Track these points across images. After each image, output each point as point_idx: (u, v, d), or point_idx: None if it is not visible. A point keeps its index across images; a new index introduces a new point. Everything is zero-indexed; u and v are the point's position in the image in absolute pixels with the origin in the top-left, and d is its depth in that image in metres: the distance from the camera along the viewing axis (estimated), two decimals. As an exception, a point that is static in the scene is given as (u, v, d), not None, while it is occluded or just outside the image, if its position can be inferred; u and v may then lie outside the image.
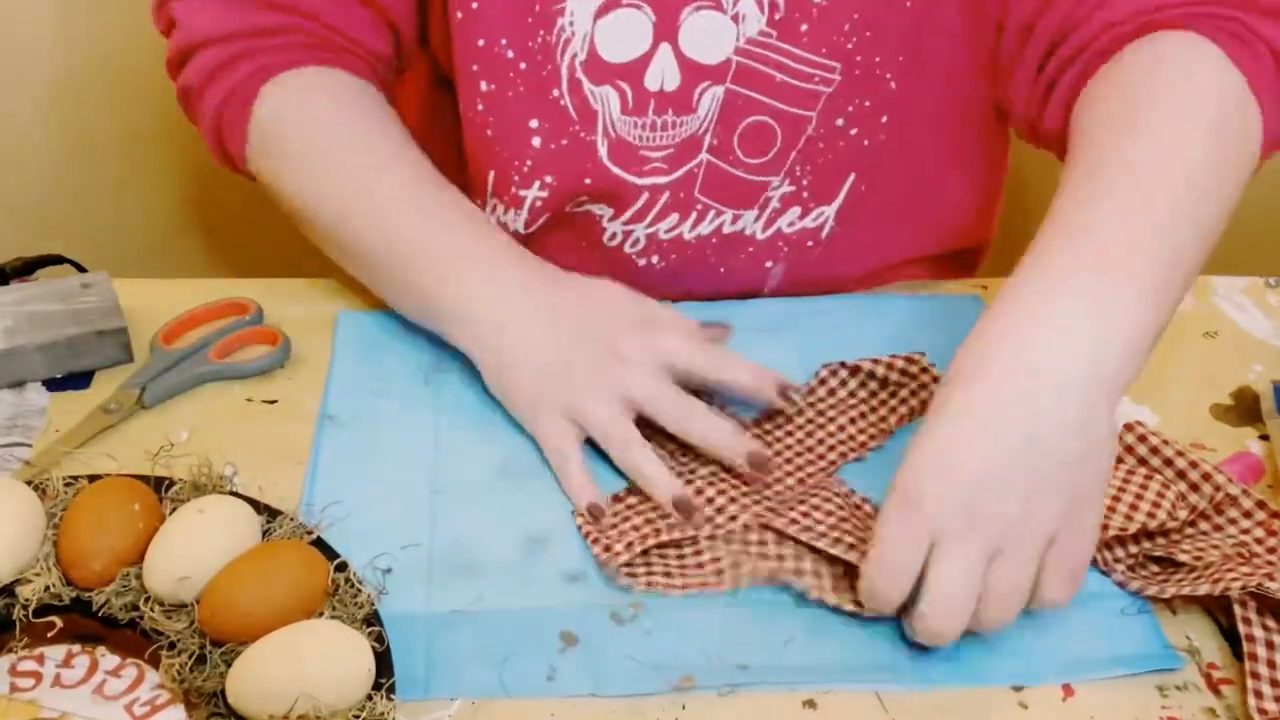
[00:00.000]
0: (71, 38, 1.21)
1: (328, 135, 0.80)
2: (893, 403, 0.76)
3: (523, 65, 0.78)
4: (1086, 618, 0.66)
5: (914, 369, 0.75)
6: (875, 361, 0.76)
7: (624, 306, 0.74)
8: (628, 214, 0.83)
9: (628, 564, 0.66)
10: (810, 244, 0.86)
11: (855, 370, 0.77)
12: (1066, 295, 0.61)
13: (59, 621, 0.61)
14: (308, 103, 0.81)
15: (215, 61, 0.81)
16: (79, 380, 0.78)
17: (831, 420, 0.75)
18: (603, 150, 0.80)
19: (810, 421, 0.75)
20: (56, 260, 0.91)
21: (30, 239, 0.99)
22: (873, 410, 0.76)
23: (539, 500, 0.71)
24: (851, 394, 0.77)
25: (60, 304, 0.80)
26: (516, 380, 0.74)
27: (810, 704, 0.61)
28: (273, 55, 0.81)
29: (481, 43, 0.78)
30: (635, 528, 0.68)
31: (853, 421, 0.75)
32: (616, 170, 0.81)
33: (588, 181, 0.81)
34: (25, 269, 0.89)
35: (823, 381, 0.77)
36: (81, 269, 0.91)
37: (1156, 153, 0.67)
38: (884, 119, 0.81)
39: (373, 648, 0.58)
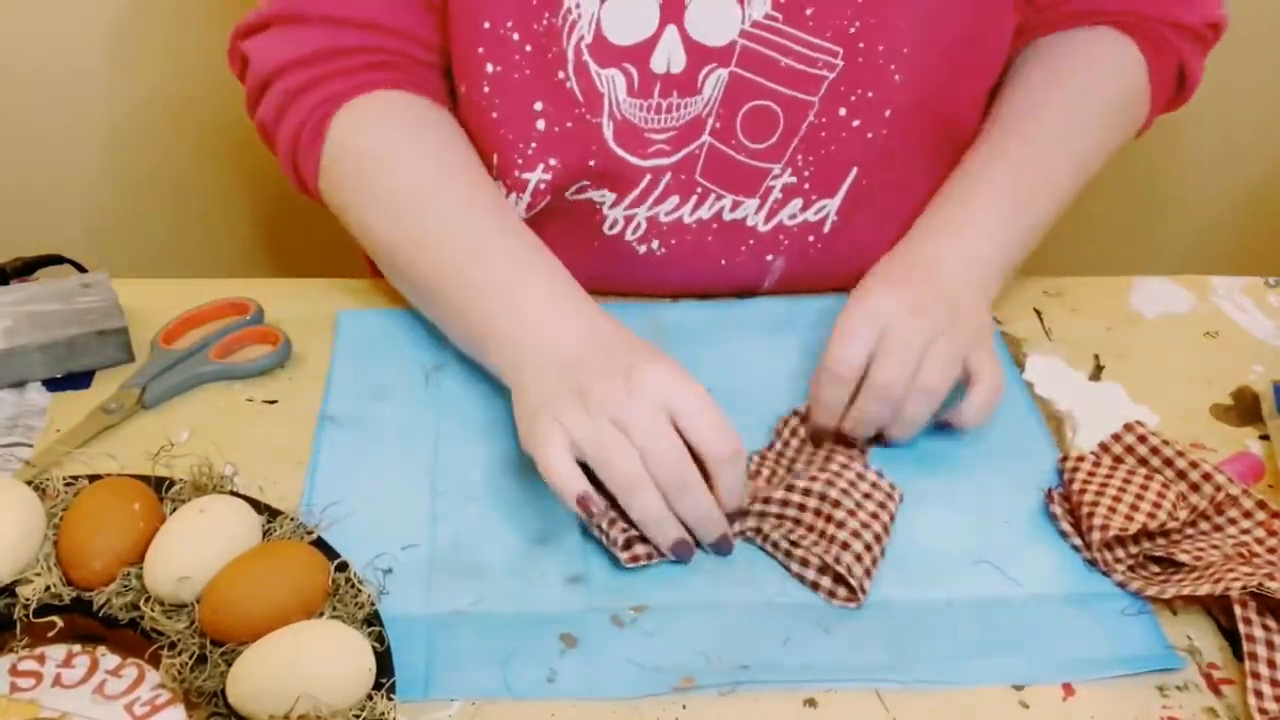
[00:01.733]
0: (72, 38, 1.21)
1: (385, 164, 0.80)
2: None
3: (528, 48, 0.78)
4: (1087, 617, 0.66)
5: None
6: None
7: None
8: (629, 198, 0.83)
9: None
10: (811, 238, 0.86)
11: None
12: (956, 231, 0.80)
13: (59, 621, 0.61)
14: (369, 132, 0.80)
15: (284, 93, 0.81)
16: (79, 380, 0.78)
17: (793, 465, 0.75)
18: (608, 132, 0.81)
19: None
20: (56, 260, 0.91)
21: (30, 239, 0.99)
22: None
23: (540, 501, 0.71)
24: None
25: (60, 304, 0.80)
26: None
27: (810, 703, 0.61)
28: (339, 81, 0.81)
29: (487, 25, 0.78)
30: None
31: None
32: (621, 153, 0.81)
33: (592, 164, 0.82)
34: (25, 269, 0.89)
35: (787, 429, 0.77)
36: (81, 269, 0.91)
37: (1058, 122, 0.84)
38: (887, 113, 0.81)
39: (373, 648, 0.58)
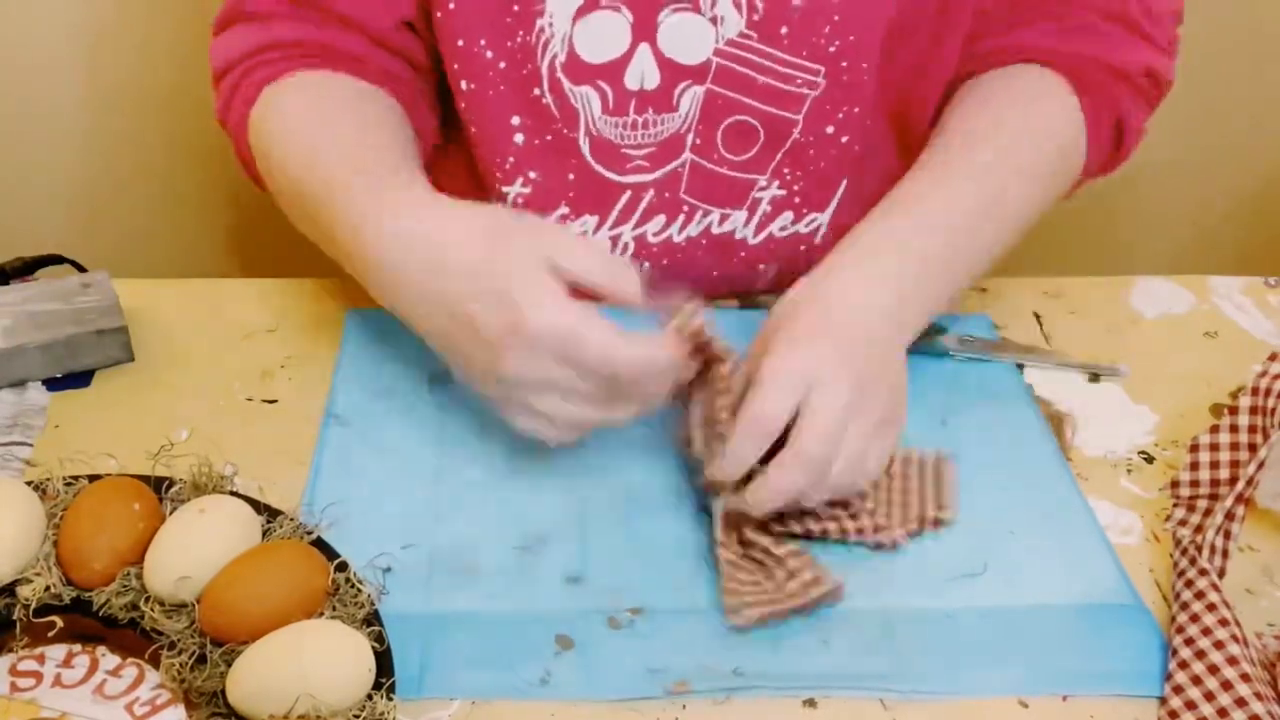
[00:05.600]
0: (72, 41, 1.21)
1: (299, 117, 0.79)
2: None
3: (502, 65, 0.78)
4: (1090, 630, 0.65)
5: None
6: None
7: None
8: (611, 218, 0.83)
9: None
10: (803, 248, 0.86)
11: None
12: (879, 262, 0.74)
13: (59, 621, 0.61)
14: (288, 98, 0.80)
15: (229, 89, 0.82)
16: (79, 379, 0.78)
17: None
18: (585, 147, 0.81)
19: None
20: (56, 260, 0.91)
21: (30, 239, 0.99)
22: None
23: (540, 502, 0.71)
24: None
25: (60, 304, 0.80)
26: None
27: (810, 704, 0.61)
28: (271, 67, 0.81)
29: (461, 42, 0.78)
30: (762, 589, 0.66)
31: None
32: (599, 168, 0.81)
33: (571, 178, 0.82)
34: (25, 269, 0.89)
35: None
36: (81, 269, 0.91)
37: (993, 163, 0.78)
38: (868, 122, 0.81)
39: (373, 648, 0.58)
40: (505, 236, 0.66)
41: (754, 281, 0.88)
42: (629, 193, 0.83)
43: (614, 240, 0.84)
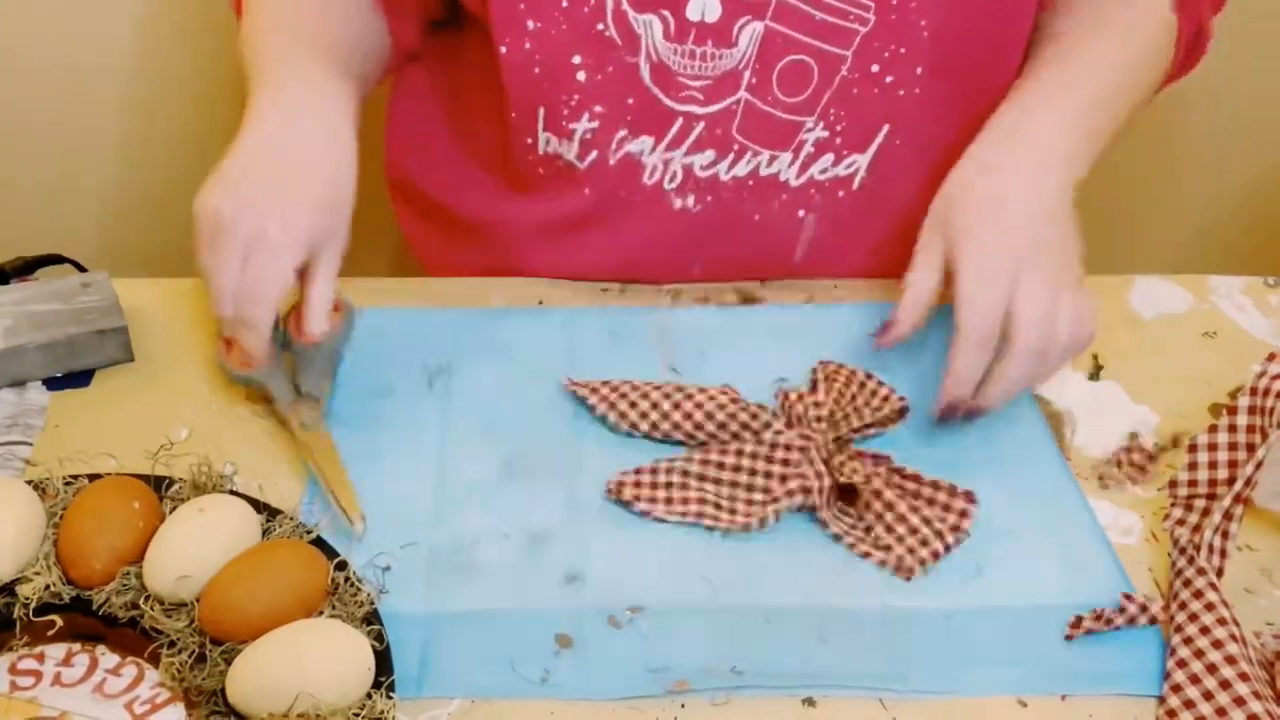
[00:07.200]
0: (71, 38, 1.21)
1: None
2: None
3: (565, 3, 0.80)
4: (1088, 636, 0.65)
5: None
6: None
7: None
8: (665, 140, 0.85)
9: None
10: (841, 194, 0.87)
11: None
12: (1039, 140, 0.80)
13: (59, 620, 0.62)
14: None
15: None
16: (79, 379, 0.78)
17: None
18: (645, 70, 0.82)
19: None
20: (56, 260, 0.91)
21: (30, 239, 0.99)
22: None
23: (540, 501, 0.71)
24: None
25: (60, 303, 0.80)
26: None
27: (810, 703, 0.61)
28: None
29: None
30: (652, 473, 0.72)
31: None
32: (656, 91, 0.83)
33: (630, 101, 0.83)
34: (25, 269, 0.89)
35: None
36: (81, 269, 0.91)
37: (1108, 54, 0.85)
38: (919, 70, 0.82)
39: (372, 646, 0.58)
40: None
41: (794, 237, 0.88)
42: (680, 120, 0.84)
43: (664, 164, 0.86)
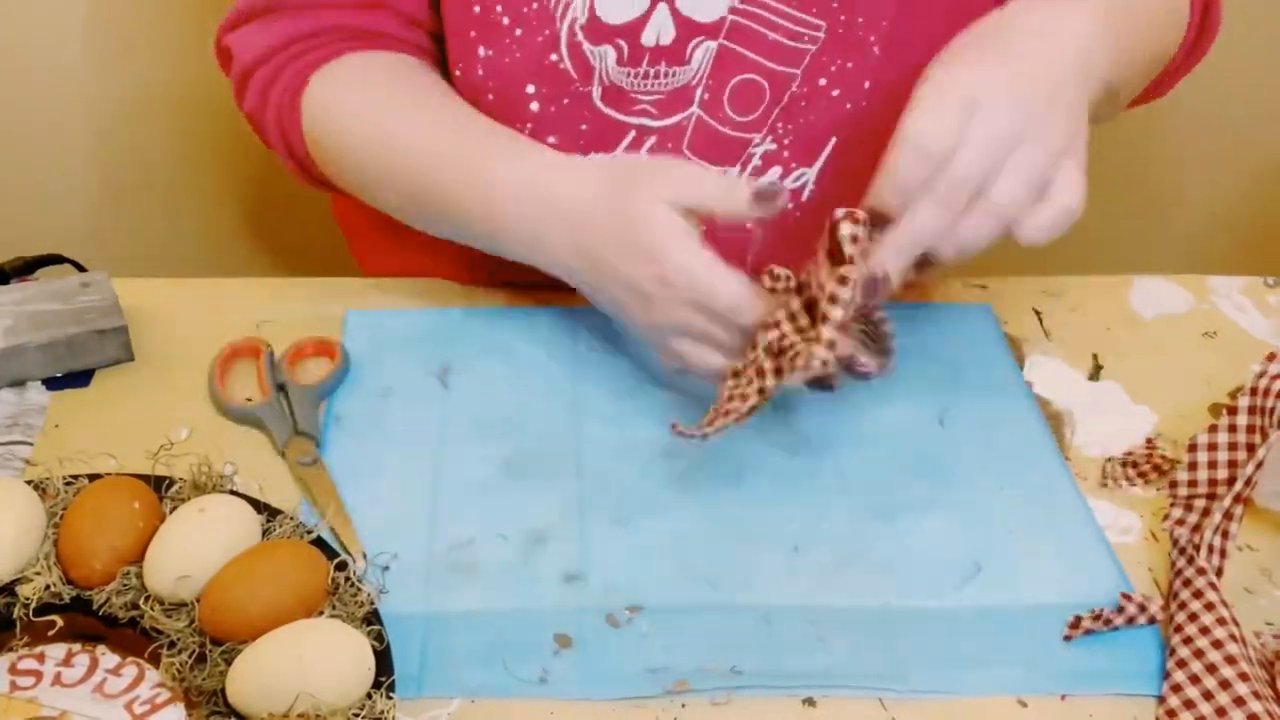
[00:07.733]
0: (72, 39, 1.21)
1: (363, 103, 0.81)
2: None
3: (518, 31, 0.79)
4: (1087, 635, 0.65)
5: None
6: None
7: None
8: (618, 152, 0.84)
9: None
10: (790, 205, 0.87)
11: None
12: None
13: (59, 620, 0.62)
14: (342, 83, 0.82)
15: (264, 80, 0.83)
16: (79, 379, 0.78)
17: None
18: (596, 94, 0.82)
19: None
20: (56, 260, 0.91)
21: (30, 239, 1.00)
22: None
23: (540, 501, 0.71)
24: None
25: (60, 303, 0.80)
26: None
27: (809, 703, 0.61)
28: (312, 55, 0.82)
29: (477, 9, 0.79)
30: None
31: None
32: (609, 111, 0.83)
33: (583, 128, 0.83)
34: (25, 269, 0.89)
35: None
36: (81, 269, 0.91)
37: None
38: (866, 84, 0.82)
39: (372, 646, 0.58)
40: (627, 184, 0.70)
41: (742, 246, 0.88)
42: (632, 133, 0.84)
43: None
